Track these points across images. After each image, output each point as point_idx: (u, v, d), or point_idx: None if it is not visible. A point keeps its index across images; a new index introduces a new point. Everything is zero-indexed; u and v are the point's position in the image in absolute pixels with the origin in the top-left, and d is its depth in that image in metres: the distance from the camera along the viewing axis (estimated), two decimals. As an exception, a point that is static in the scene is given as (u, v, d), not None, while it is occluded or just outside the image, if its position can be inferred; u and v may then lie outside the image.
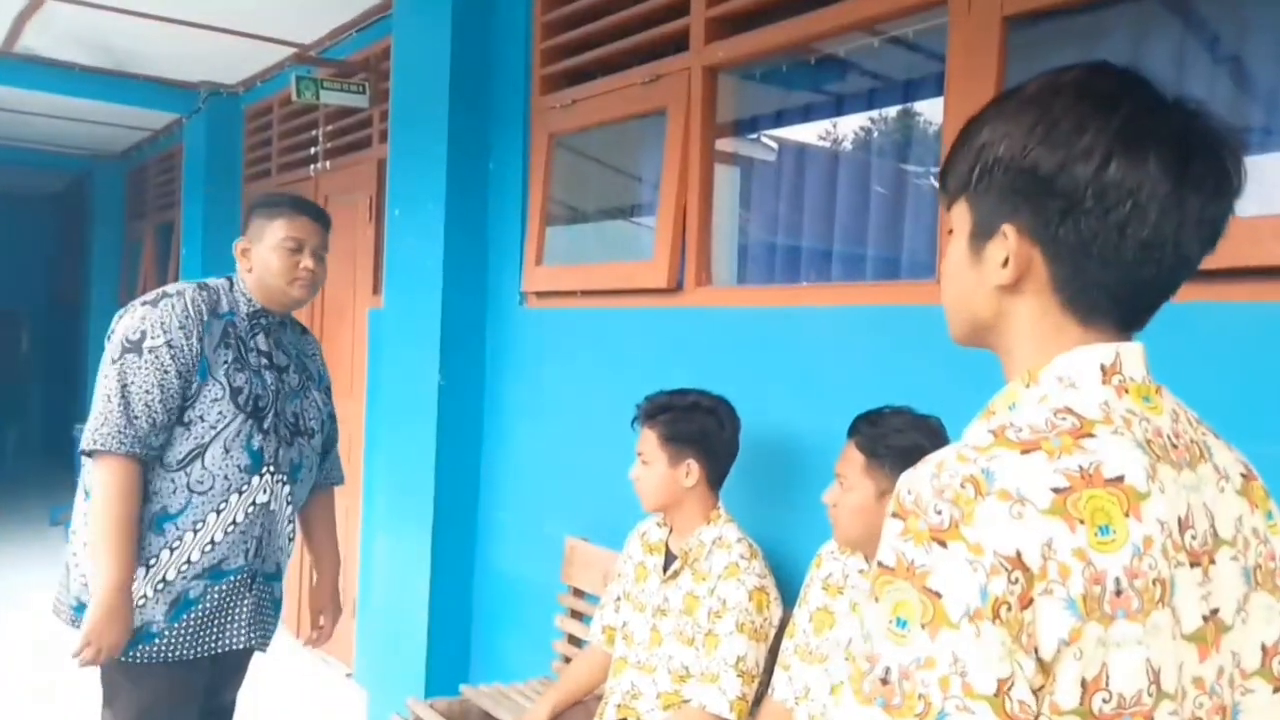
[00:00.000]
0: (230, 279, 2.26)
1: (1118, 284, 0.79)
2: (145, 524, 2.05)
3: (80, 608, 2.06)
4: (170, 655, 2.09)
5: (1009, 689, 0.68)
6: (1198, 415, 0.86)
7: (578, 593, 2.97)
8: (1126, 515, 0.72)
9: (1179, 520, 0.75)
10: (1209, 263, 1.70)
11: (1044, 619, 0.69)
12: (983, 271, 0.84)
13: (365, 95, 4.31)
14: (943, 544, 0.70)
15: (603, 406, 2.99)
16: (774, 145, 2.88)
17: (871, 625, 0.73)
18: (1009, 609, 0.68)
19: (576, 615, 2.94)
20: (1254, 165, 1.81)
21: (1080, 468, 0.72)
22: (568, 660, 2.84)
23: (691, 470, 2.19)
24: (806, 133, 2.75)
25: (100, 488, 2.01)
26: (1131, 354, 0.81)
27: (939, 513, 0.71)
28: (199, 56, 5.10)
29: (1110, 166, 0.75)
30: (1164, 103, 0.79)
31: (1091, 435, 0.75)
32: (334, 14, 4.34)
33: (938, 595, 0.69)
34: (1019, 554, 0.69)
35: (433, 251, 3.47)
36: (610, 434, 2.92)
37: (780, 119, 2.81)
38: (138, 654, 2.06)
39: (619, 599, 2.37)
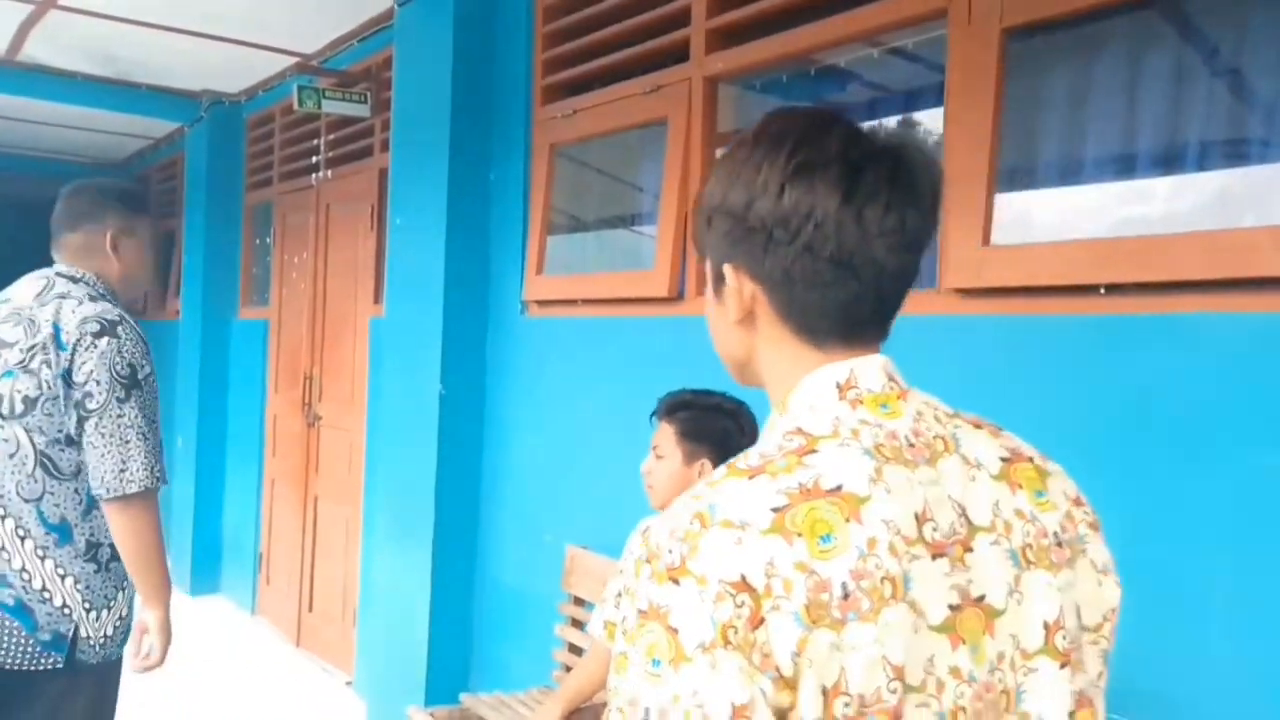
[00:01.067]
0: (85, 280, 2.13)
1: (828, 303, 0.83)
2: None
3: (55, 640, 2.03)
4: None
5: (749, 715, 0.68)
6: (952, 410, 0.88)
7: (578, 601, 2.96)
8: (848, 521, 0.74)
9: (915, 515, 0.77)
10: (1211, 273, 1.71)
11: (775, 635, 0.70)
12: (725, 313, 0.88)
13: (367, 105, 4.32)
14: (676, 581, 0.72)
15: (603, 415, 2.99)
16: (774, 155, 2.89)
17: (632, 669, 0.74)
18: (736, 632, 0.70)
19: (577, 624, 2.94)
20: (1253, 176, 1.83)
21: (800, 484, 0.75)
22: (568, 669, 2.83)
23: (705, 470, 2.19)
24: (807, 142, 2.76)
25: (149, 521, 2.04)
26: (867, 367, 0.84)
27: (671, 552, 0.74)
28: (201, 65, 5.11)
29: (785, 196, 0.80)
30: (830, 128, 0.83)
31: (815, 451, 0.78)
32: (336, 24, 4.36)
33: (676, 631, 0.71)
34: (743, 577, 0.71)
35: (434, 260, 3.48)
36: (611, 442, 2.93)
37: (781, 129, 2.81)
38: (117, 650, 2.16)
39: (619, 595, 2.38)
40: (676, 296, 2.78)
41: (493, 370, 3.51)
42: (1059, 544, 0.84)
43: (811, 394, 0.83)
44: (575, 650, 2.89)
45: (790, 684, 0.70)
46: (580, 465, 3.10)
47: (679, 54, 2.83)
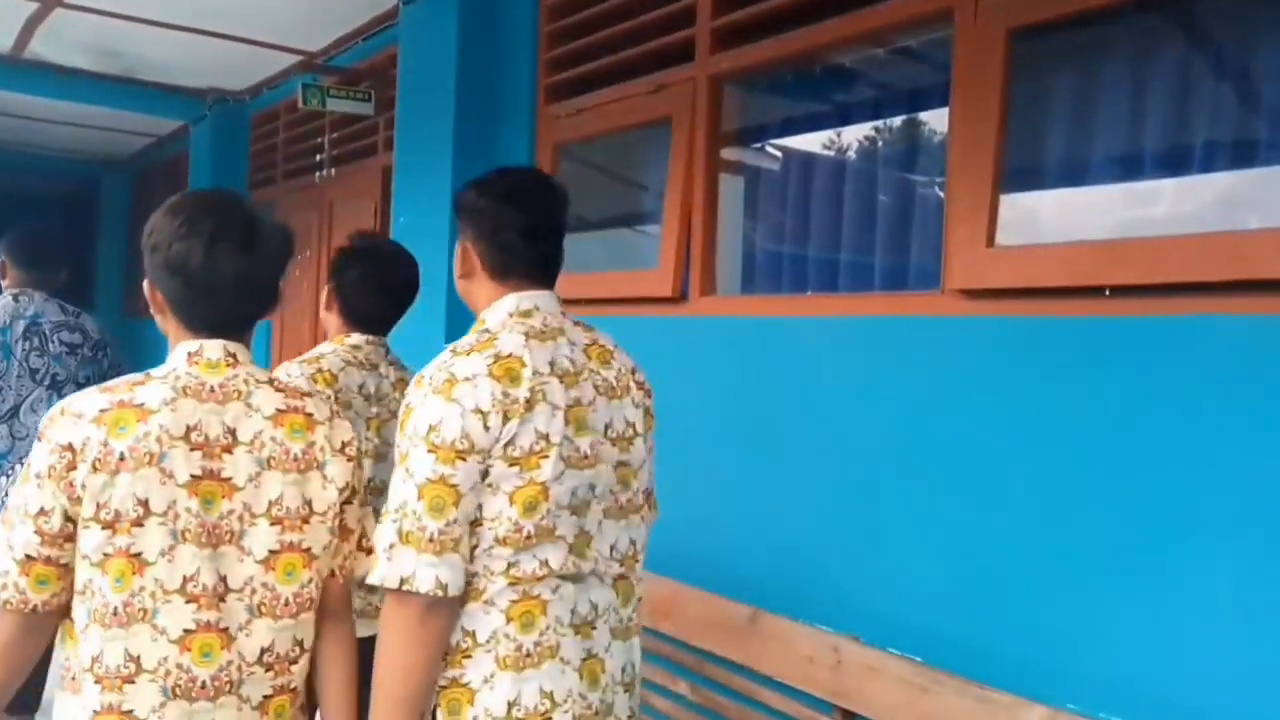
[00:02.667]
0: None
1: (196, 312, 1.40)
2: None
3: None
4: None
5: (49, 514, 1.30)
6: (266, 376, 1.44)
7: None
8: (139, 422, 1.32)
9: (187, 425, 1.34)
10: (1215, 275, 1.71)
11: (77, 475, 1.30)
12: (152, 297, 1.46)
13: (371, 103, 4.32)
14: (41, 439, 1.33)
15: (606, 414, 2.98)
16: (778, 154, 2.89)
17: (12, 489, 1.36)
18: (56, 470, 1.30)
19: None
20: (1258, 178, 1.82)
21: (120, 400, 1.34)
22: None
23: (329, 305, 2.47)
24: (811, 142, 2.76)
25: None
26: (212, 345, 1.40)
27: (43, 428, 1.34)
28: (206, 63, 5.11)
29: (173, 248, 1.37)
30: (204, 214, 1.39)
31: (144, 384, 1.37)
32: (341, 22, 4.36)
33: (30, 465, 1.33)
34: (70, 443, 1.31)
35: (438, 258, 3.47)
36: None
37: (785, 128, 2.82)
38: None
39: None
40: (680, 296, 2.77)
41: (496, 369, 3.50)
42: (296, 460, 1.41)
43: (173, 361, 1.40)
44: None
45: (78, 500, 1.30)
46: (583, 464, 3.09)
47: (683, 53, 2.83)
